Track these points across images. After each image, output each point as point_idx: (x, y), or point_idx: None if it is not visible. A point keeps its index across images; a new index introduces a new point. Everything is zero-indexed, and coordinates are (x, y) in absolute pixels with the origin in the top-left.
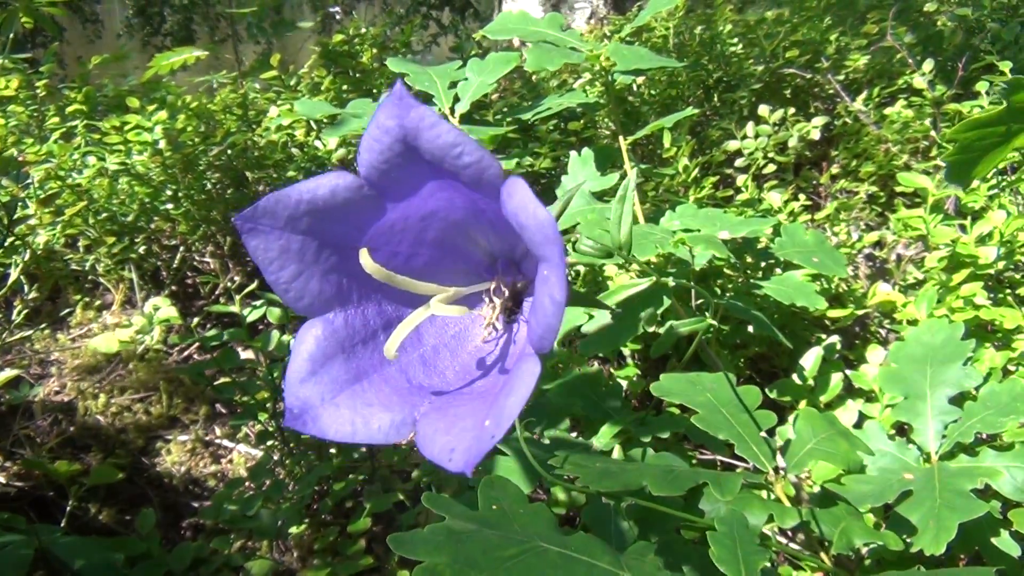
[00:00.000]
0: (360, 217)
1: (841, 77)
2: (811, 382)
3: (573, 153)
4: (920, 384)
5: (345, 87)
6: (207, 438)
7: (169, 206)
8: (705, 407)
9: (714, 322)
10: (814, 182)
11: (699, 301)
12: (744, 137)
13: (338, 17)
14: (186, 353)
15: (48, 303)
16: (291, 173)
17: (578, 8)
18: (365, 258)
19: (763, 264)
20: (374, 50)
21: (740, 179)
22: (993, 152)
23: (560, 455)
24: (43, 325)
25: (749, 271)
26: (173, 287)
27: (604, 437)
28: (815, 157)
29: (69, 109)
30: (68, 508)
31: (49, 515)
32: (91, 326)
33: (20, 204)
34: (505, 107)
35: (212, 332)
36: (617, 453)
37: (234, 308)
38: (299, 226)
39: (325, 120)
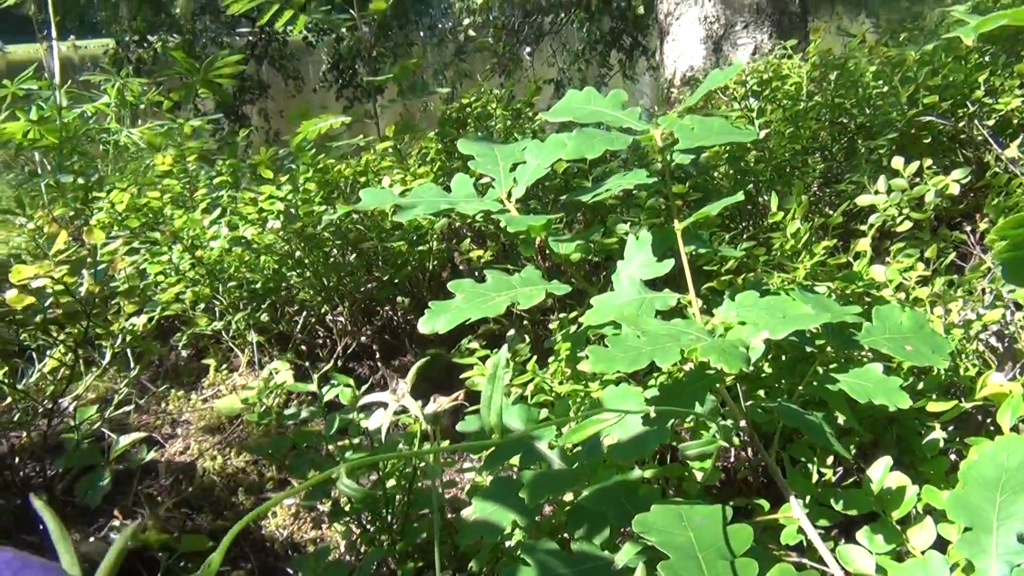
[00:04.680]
0: None
1: (991, 122)
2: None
3: (631, 237)
4: (987, 514)
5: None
6: (311, 503)
7: (293, 273)
8: (680, 550)
9: (735, 439)
10: (954, 242)
11: (748, 403)
12: (876, 192)
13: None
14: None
15: (194, 362)
16: (396, 244)
17: (741, 44)
18: None
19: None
20: (500, 111)
21: (861, 243)
22: None
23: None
24: (166, 385)
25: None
26: (301, 347)
27: (627, 554)
28: (964, 211)
29: (216, 180)
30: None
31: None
32: (221, 387)
33: (105, 292)
34: (566, 179)
35: (291, 410)
36: (640, 573)
37: (312, 387)
38: None
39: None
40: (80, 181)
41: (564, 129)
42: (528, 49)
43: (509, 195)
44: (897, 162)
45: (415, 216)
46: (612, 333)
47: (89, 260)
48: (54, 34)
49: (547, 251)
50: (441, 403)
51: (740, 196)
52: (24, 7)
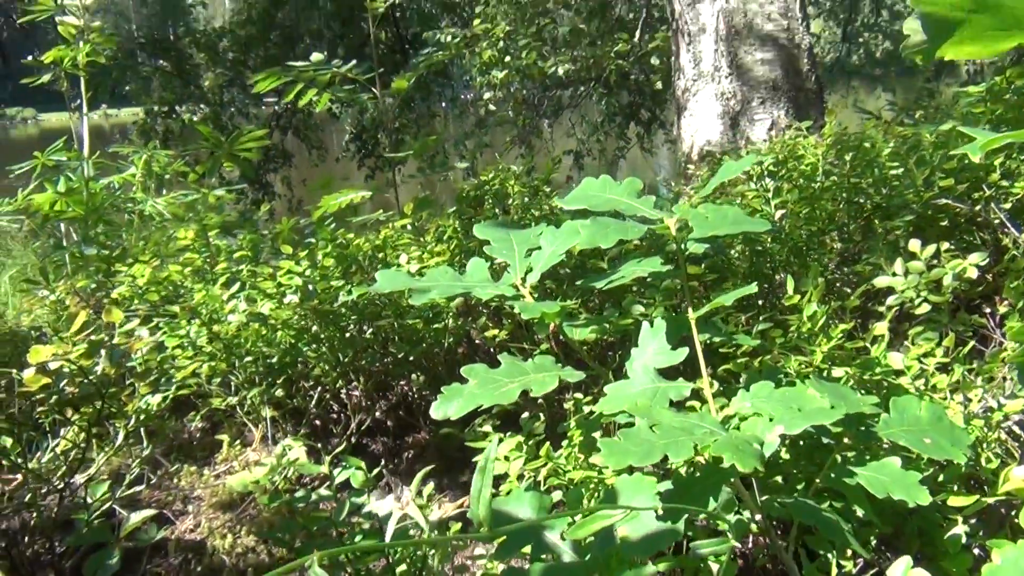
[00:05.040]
0: None
1: (1007, 205)
2: None
3: (645, 324)
4: None
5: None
6: None
7: (309, 348)
8: None
9: (753, 526)
10: (973, 326)
11: (764, 497)
12: (893, 274)
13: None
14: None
15: (208, 436)
16: (412, 321)
17: (758, 120)
18: None
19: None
20: (518, 189)
21: (879, 326)
22: None
23: None
24: (178, 461)
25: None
26: (315, 422)
27: None
28: (983, 293)
29: (237, 254)
30: None
31: None
32: (234, 463)
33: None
34: (582, 259)
35: (300, 493)
36: None
37: (324, 468)
38: None
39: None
40: (103, 253)
41: (579, 215)
42: (548, 121)
43: (524, 280)
44: (914, 244)
45: (430, 299)
46: (626, 422)
47: (107, 342)
48: (85, 109)
49: (561, 335)
50: (446, 510)
51: (753, 287)
52: (57, 84)
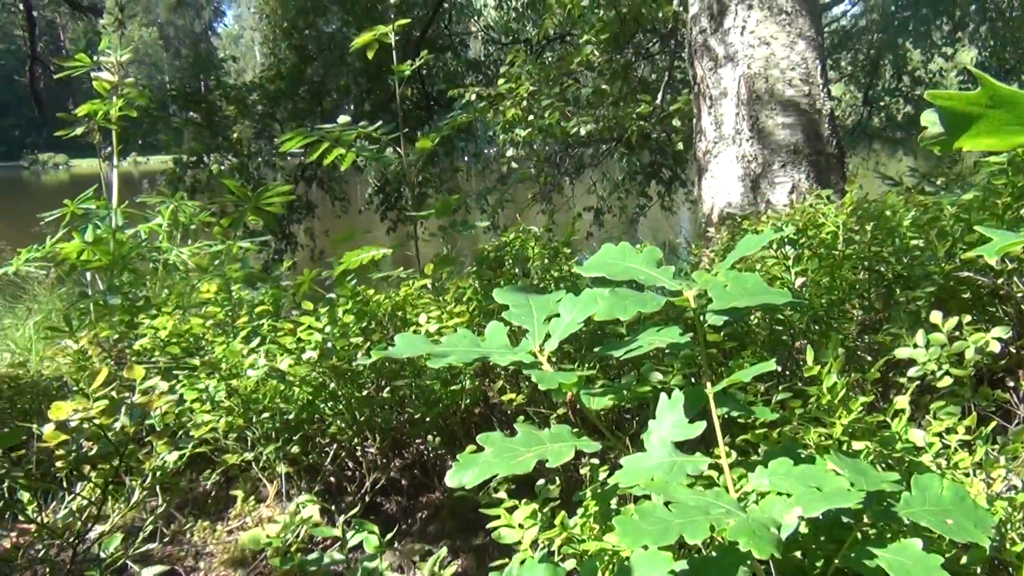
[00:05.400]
0: None
1: None
2: None
3: (663, 396)
4: None
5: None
6: None
7: (326, 406)
8: None
9: None
10: (996, 400)
11: None
12: (915, 345)
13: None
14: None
15: (222, 491)
16: (428, 381)
17: (778, 183)
18: None
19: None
20: (538, 250)
21: (900, 400)
22: None
23: None
24: (192, 516)
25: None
26: (330, 479)
27: None
28: (1006, 366)
29: (258, 309)
30: None
31: None
32: (247, 519)
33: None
34: (601, 324)
35: (313, 555)
36: None
37: (336, 532)
38: None
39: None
40: (127, 303)
41: (599, 283)
42: (569, 179)
43: (542, 347)
44: (936, 316)
45: (448, 364)
46: (642, 493)
47: (127, 402)
48: (116, 161)
49: (579, 404)
50: None
51: (772, 364)
52: (90, 136)
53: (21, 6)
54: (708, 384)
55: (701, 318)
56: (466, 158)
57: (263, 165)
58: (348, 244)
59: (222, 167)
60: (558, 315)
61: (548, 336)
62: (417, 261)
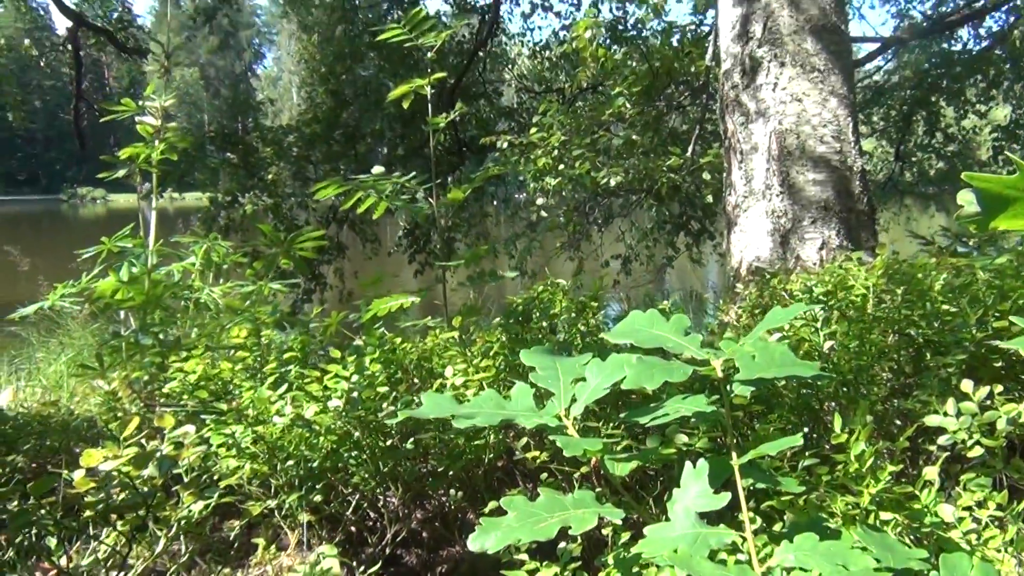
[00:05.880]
0: None
1: None
2: None
3: (688, 465)
4: None
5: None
6: None
7: (350, 455)
8: None
9: None
10: None
11: None
12: (945, 414)
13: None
14: None
15: (244, 537)
16: (453, 435)
17: (808, 239)
18: None
19: None
20: (565, 303)
21: (929, 471)
22: None
23: None
24: (209, 560)
25: None
26: (351, 528)
27: None
28: None
29: (286, 356)
30: None
31: None
32: (267, 567)
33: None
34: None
35: None
36: None
37: None
38: None
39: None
40: (158, 343)
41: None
42: (598, 227)
43: (568, 411)
44: (967, 385)
45: (473, 425)
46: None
47: (158, 455)
48: (154, 203)
49: (603, 470)
50: None
51: (799, 439)
52: (131, 179)
53: (70, 46)
54: (733, 455)
55: (728, 388)
56: (495, 202)
57: (296, 206)
58: (376, 288)
59: (256, 207)
60: (584, 379)
61: (574, 400)
62: (445, 310)
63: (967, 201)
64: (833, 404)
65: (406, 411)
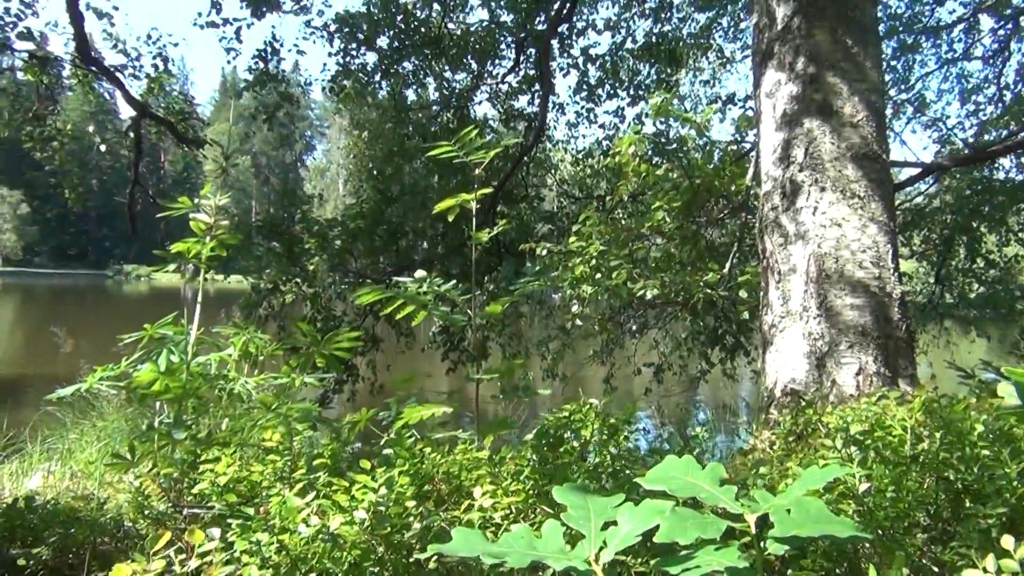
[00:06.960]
0: None
1: None
2: None
3: None
4: None
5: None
6: None
7: (372, 571)
8: None
9: None
10: None
11: None
12: (984, 570)
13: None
14: None
15: None
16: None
17: (845, 364)
18: None
19: None
20: (596, 425)
21: None
22: None
23: None
24: None
25: None
26: None
27: None
28: None
29: (316, 462)
30: None
31: None
32: None
33: None
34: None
35: None
36: None
37: None
38: None
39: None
40: (193, 437)
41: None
42: (632, 336)
43: (597, 557)
44: (1007, 541)
45: (502, 564)
46: None
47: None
48: (200, 297)
49: None
50: None
51: None
52: (181, 273)
53: (132, 134)
54: None
55: (761, 546)
56: (529, 302)
57: (335, 297)
58: (408, 387)
59: (296, 297)
60: (616, 523)
61: (604, 544)
62: (476, 422)
63: (1008, 394)
64: (868, 546)
65: (435, 546)
